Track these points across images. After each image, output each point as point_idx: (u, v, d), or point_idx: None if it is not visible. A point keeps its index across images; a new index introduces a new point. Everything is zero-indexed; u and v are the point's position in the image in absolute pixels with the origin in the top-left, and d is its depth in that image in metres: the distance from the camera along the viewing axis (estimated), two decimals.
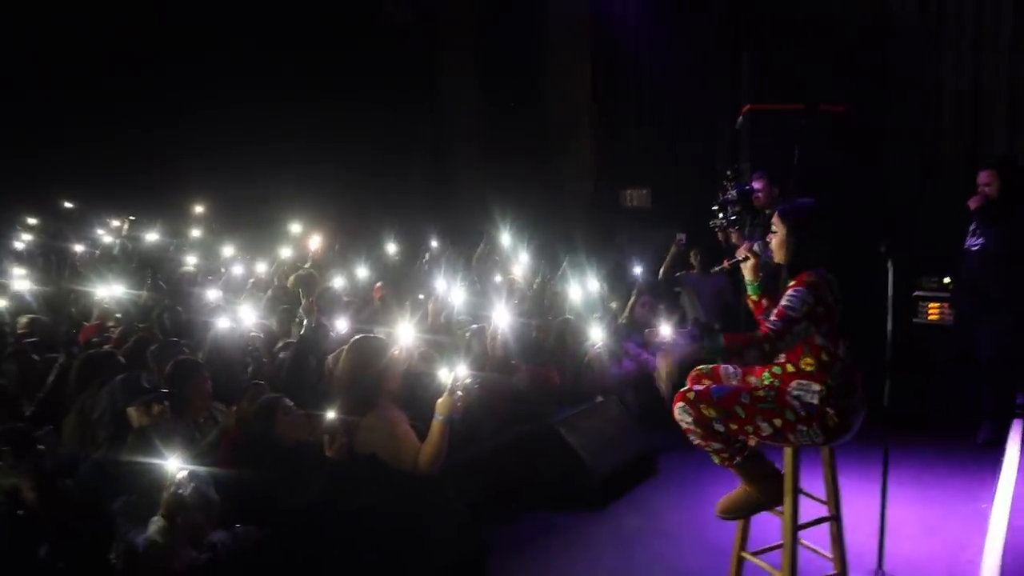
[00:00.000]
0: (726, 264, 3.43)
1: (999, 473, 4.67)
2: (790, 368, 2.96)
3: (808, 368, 2.91)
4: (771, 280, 3.25)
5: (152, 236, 8.74)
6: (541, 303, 6.55)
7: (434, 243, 8.27)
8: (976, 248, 5.41)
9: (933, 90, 7.10)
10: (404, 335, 4.34)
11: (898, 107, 7.28)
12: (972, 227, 5.50)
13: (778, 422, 2.91)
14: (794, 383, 2.94)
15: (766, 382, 3.04)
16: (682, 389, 3.05)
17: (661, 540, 4.03)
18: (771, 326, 2.81)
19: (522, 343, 5.36)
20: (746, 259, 3.29)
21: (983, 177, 5.42)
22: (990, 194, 5.34)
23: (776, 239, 3.09)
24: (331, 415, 3.41)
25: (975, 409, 5.60)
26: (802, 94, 6.82)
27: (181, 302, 5.93)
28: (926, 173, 7.09)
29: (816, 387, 2.89)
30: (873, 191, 7.12)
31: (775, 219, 3.12)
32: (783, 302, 2.88)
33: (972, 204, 5.37)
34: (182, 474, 2.57)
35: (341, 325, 4.99)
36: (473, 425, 4.23)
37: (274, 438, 3.45)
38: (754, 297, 3.32)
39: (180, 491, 2.54)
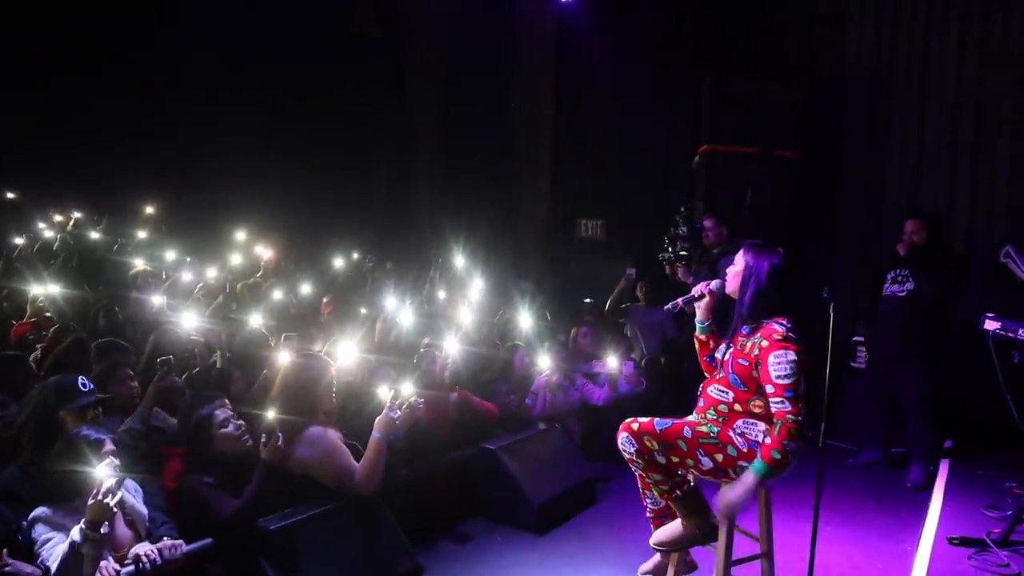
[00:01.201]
0: (680, 302, 3.43)
1: (924, 516, 4.82)
2: (737, 408, 3.00)
3: (756, 410, 2.96)
4: (721, 322, 3.29)
5: (96, 234, 8.50)
6: (491, 328, 6.56)
7: (384, 261, 8.23)
8: (903, 294, 5.62)
9: (882, 142, 7.38)
10: (345, 353, 4.31)
11: (848, 155, 7.53)
12: (893, 274, 5.72)
13: (719, 457, 2.95)
14: (740, 421, 2.99)
15: (710, 417, 3.07)
16: (627, 420, 3.08)
17: (596, 568, 4.03)
18: (787, 409, 2.82)
19: (470, 368, 5.36)
20: (702, 297, 3.31)
21: (910, 226, 5.69)
22: (918, 242, 5.61)
23: (733, 270, 3.14)
24: (270, 415, 3.36)
25: (904, 451, 5.78)
26: (759, 137, 7.02)
27: (120, 303, 5.77)
28: (871, 220, 7.33)
29: (762, 426, 2.94)
30: (819, 237, 7.34)
31: (740, 253, 3.16)
32: (775, 375, 2.85)
33: (902, 250, 5.60)
34: (109, 482, 2.48)
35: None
36: (414, 446, 4.20)
37: (214, 454, 3.37)
38: (701, 337, 3.33)
39: (106, 499, 2.45)
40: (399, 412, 3.59)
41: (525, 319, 6.19)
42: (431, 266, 7.94)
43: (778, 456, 2.80)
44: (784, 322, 2.96)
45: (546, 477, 4.72)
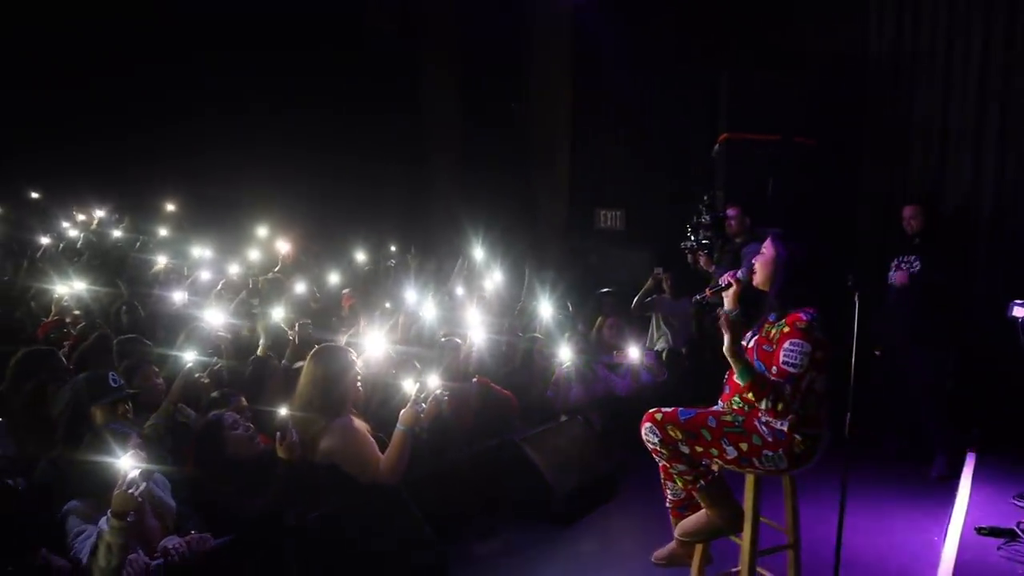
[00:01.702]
0: (708, 293, 3.41)
1: (951, 507, 4.76)
2: None
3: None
4: (751, 310, 3.28)
5: (118, 232, 8.60)
6: (512, 320, 6.56)
7: (407, 252, 8.25)
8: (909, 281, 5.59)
9: (904, 125, 7.27)
10: (373, 345, 4.33)
11: (870, 141, 7.43)
12: (897, 261, 5.67)
13: (744, 446, 2.93)
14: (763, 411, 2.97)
15: (735, 407, 3.06)
16: (650, 411, 3.07)
17: (621, 561, 4.03)
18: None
19: (492, 359, 5.37)
20: (729, 286, 3.27)
21: (908, 211, 5.63)
22: (916, 227, 5.56)
23: (761, 260, 3.13)
24: (282, 412, 3.38)
25: (923, 439, 5.73)
26: (779, 125, 6.95)
27: (143, 300, 5.84)
28: (894, 206, 7.22)
29: (782, 421, 2.92)
30: (843, 224, 7.25)
31: (767, 243, 3.15)
32: (783, 358, 2.88)
33: (911, 231, 5.56)
34: (134, 473, 2.51)
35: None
36: (439, 438, 4.21)
37: (227, 456, 3.37)
38: None
39: (131, 490, 2.48)
40: (424, 405, 3.60)
41: (545, 310, 6.18)
42: (454, 260, 7.95)
43: (754, 393, 2.85)
44: (811, 311, 2.94)
45: (570, 468, 4.73)
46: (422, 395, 3.59)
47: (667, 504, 3.33)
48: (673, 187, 8.68)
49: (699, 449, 2.98)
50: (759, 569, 3.11)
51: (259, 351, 4.64)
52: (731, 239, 6.21)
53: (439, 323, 5.68)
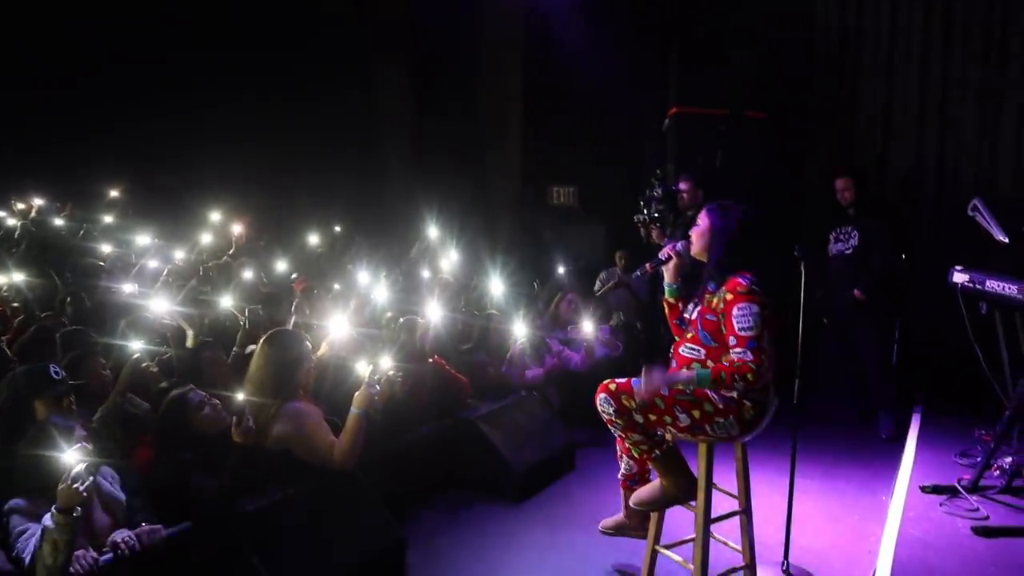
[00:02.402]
0: (648, 268, 3.43)
1: (898, 467, 4.93)
2: (710, 364, 2.99)
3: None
4: (689, 284, 3.30)
5: (60, 221, 8.33)
6: (468, 299, 6.55)
7: (357, 235, 8.16)
8: (849, 251, 5.75)
9: (849, 101, 7.39)
10: (337, 327, 4.29)
11: (816, 116, 7.55)
12: (836, 232, 5.83)
13: (696, 413, 2.97)
14: None
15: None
16: (604, 382, 3.10)
17: (578, 532, 4.08)
18: (748, 358, 2.83)
19: (448, 338, 5.36)
20: (669, 259, 3.30)
21: (840, 183, 5.80)
22: (850, 198, 5.74)
23: (697, 231, 3.15)
24: (239, 397, 3.33)
25: (871, 404, 5.91)
26: (728, 99, 7.01)
27: (89, 290, 5.67)
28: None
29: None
30: (791, 196, 7.37)
31: (701, 213, 3.17)
32: (738, 327, 2.86)
33: (844, 202, 5.73)
34: (79, 467, 2.44)
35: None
36: (394, 418, 4.20)
37: (192, 434, 3.35)
38: (671, 300, 3.32)
39: (76, 484, 2.41)
40: (378, 387, 3.58)
41: (497, 287, 6.17)
42: (409, 242, 7.89)
43: (722, 378, 2.84)
44: (748, 276, 2.98)
45: (526, 444, 4.75)
46: (375, 377, 3.57)
47: (619, 476, 3.39)
48: (625, 162, 8.72)
49: (652, 418, 3.01)
50: (713, 535, 3.17)
51: (188, 342, 4.51)
52: (683, 212, 6.26)
53: (392, 305, 5.63)
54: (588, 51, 8.85)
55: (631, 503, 3.31)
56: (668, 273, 3.31)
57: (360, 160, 10.83)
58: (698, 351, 3.04)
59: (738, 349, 2.86)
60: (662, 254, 3.33)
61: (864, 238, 5.72)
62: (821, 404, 6.25)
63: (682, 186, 6.25)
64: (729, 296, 2.93)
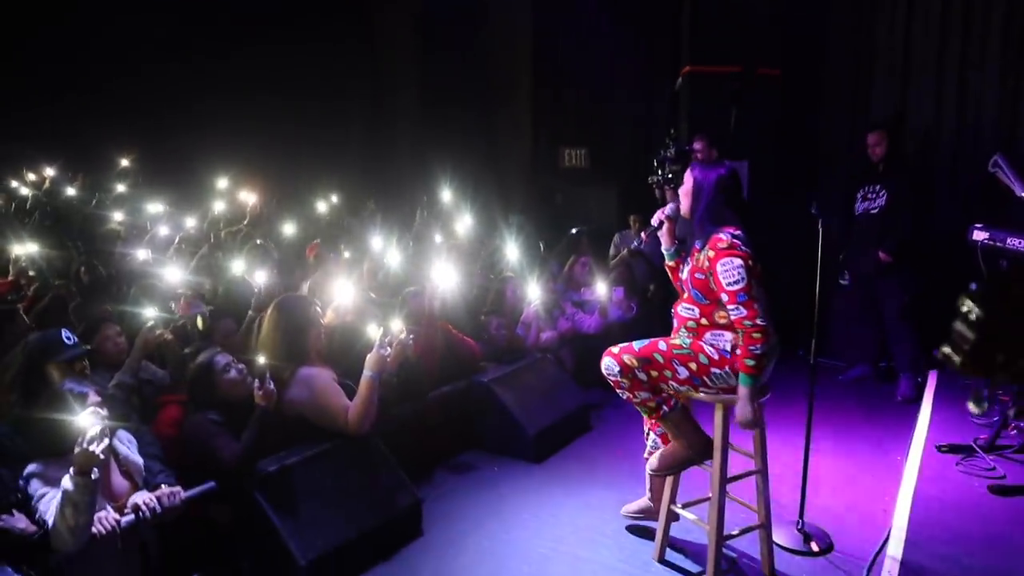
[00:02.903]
0: (645, 238, 3.46)
1: (914, 427, 4.90)
2: (704, 322, 3.06)
3: (722, 321, 3.01)
4: (684, 245, 3.32)
5: (72, 191, 8.34)
6: (482, 261, 6.52)
7: (369, 199, 8.13)
8: (875, 211, 5.65)
9: (866, 57, 7.21)
10: (343, 292, 4.28)
11: (832, 72, 7.38)
12: (863, 191, 5.73)
13: (693, 366, 3.02)
14: (708, 334, 3.05)
15: (682, 335, 3.14)
16: (607, 349, 3.17)
17: (594, 489, 4.10)
18: (743, 314, 2.86)
19: (466, 303, 5.34)
20: (662, 225, 3.32)
21: (872, 138, 5.67)
22: (880, 154, 5.62)
23: (683, 191, 3.20)
24: (261, 360, 3.36)
25: (891, 364, 5.86)
26: (741, 56, 6.87)
27: (104, 258, 5.70)
28: (857, 134, 7.21)
29: (728, 335, 2.99)
30: (807, 153, 7.24)
31: (687, 172, 3.20)
32: (725, 283, 2.89)
33: (875, 158, 5.60)
34: (94, 430, 2.46)
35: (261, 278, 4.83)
36: (407, 382, 4.21)
37: (219, 397, 3.40)
38: (670, 263, 3.35)
39: (92, 446, 2.43)
40: (389, 349, 3.59)
41: (513, 251, 6.15)
42: (417, 205, 7.84)
43: (751, 363, 2.88)
44: (730, 231, 2.99)
45: (540, 406, 4.76)
46: (386, 339, 3.57)
47: (644, 456, 3.46)
48: (636, 123, 8.60)
49: (654, 373, 3.07)
50: (729, 495, 3.18)
51: (199, 324, 4.48)
52: None
53: (404, 269, 5.61)
54: (598, 10, 8.69)
55: (648, 470, 3.34)
56: (663, 238, 3.34)
57: (366, 120, 10.74)
58: (693, 310, 3.10)
59: (731, 306, 2.91)
60: (654, 220, 3.35)
61: (892, 197, 5.60)
62: (839, 364, 6.24)
63: (696, 146, 6.16)
64: (712, 253, 2.98)
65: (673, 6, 7.65)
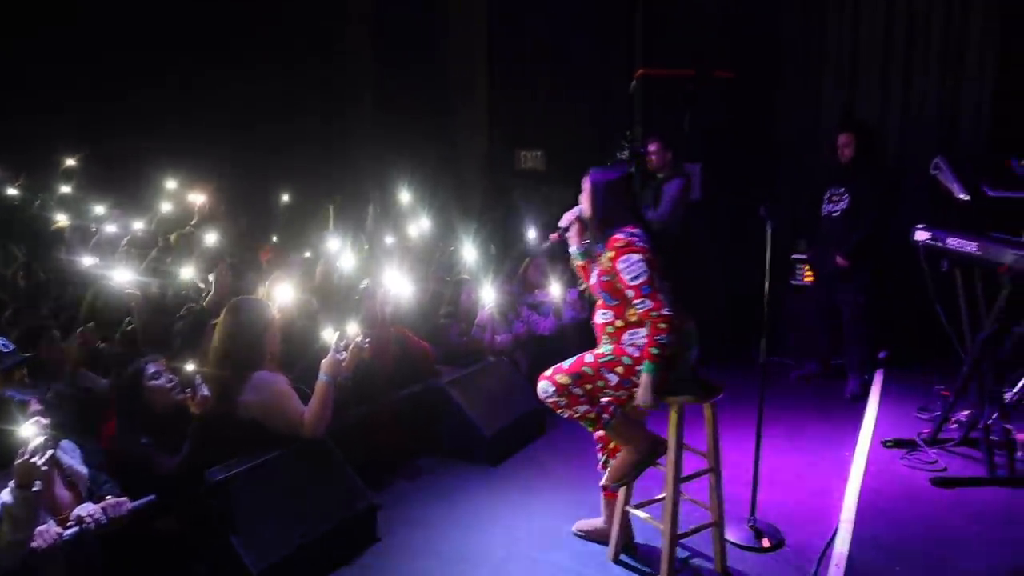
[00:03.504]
0: (556, 236, 3.48)
1: (861, 423, 5.03)
2: (619, 324, 3.13)
3: (633, 318, 3.08)
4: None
5: (13, 191, 8.07)
6: (437, 264, 6.49)
7: (330, 201, 8.03)
8: (838, 213, 5.76)
9: (816, 56, 7.36)
10: (283, 293, 4.23)
11: (785, 74, 7.51)
12: (829, 193, 5.84)
13: (620, 369, 3.09)
14: (626, 335, 3.12)
15: (604, 342, 3.20)
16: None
17: (546, 495, 4.11)
18: (648, 306, 2.95)
19: (422, 306, 5.31)
20: (572, 225, 3.36)
21: (842, 139, 5.78)
22: (849, 155, 5.72)
23: (583, 195, 3.24)
24: (189, 367, 3.29)
25: (842, 363, 6.00)
26: (695, 59, 6.95)
27: (46, 262, 5.53)
28: (808, 135, 7.35)
29: (643, 331, 3.05)
30: (760, 153, 7.35)
31: (584, 179, 3.25)
32: (628, 279, 2.98)
33: (843, 159, 5.70)
34: (37, 441, 2.38)
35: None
36: (362, 385, 4.16)
37: (145, 410, 3.29)
38: (579, 262, 3.41)
39: (34, 458, 2.35)
40: (345, 353, 3.55)
41: (469, 252, 6.13)
42: (369, 208, 7.77)
43: (656, 351, 2.97)
44: (628, 229, 3.07)
45: (496, 410, 4.75)
46: (342, 343, 3.53)
47: (600, 485, 3.48)
48: (592, 125, 8.64)
49: (588, 386, 3.13)
50: (683, 494, 3.21)
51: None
52: (653, 175, 6.22)
53: (359, 272, 5.56)
54: (553, 12, 8.72)
55: (603, 485, 3.42)
56: (572, 239, 3.39)
57: (321, 122, 10.60)
58: (607, 314, 3.17)
59: (637, 300, 2.99)
60: (562, 222, 3.39)
61: (853, 202, 5.69)
62: (790, 363, 6.36)
63: (650, 148, 6.20)
64: (611, 253, 3.06)
65: (627, 8, 7.71)
